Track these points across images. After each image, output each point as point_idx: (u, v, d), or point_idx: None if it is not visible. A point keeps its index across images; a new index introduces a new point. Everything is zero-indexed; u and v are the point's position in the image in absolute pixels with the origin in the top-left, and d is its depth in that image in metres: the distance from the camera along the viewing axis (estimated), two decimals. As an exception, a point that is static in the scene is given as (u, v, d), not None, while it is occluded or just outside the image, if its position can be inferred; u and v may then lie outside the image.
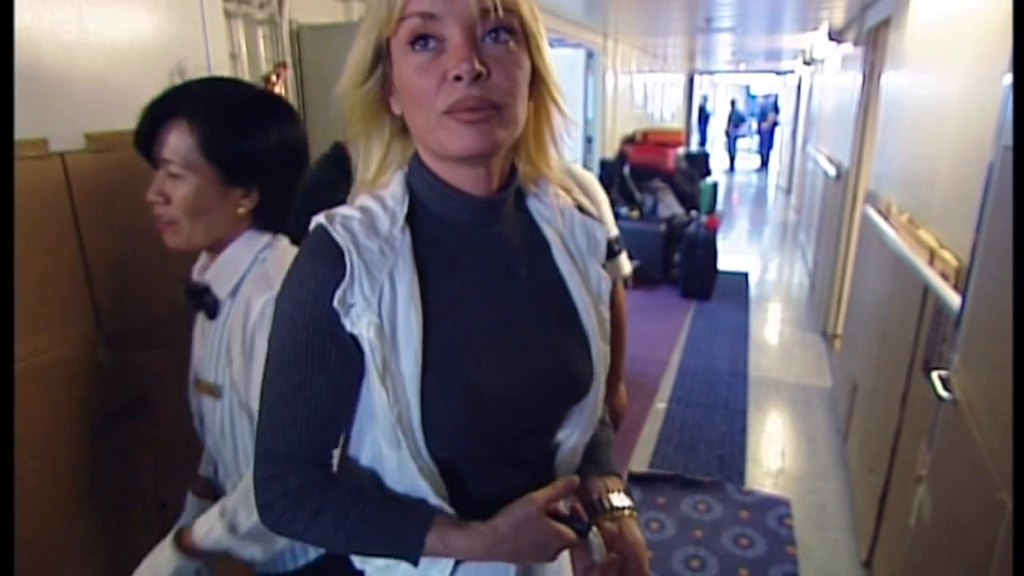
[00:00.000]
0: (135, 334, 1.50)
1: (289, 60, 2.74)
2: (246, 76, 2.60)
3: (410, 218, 0.71)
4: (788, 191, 10.44)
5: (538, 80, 0.70)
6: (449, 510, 0.71)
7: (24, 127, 1.23)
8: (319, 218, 0.70)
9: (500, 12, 0.62)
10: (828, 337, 4.27)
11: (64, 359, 1.34)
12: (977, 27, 1.79)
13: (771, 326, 4.84)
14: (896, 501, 1.99)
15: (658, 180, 6.41)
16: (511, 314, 0.74)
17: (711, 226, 5.39)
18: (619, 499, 0.79)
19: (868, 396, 2.59)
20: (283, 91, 2.66)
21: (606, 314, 0.81)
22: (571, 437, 0.80)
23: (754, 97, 20.72)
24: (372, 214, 0.70)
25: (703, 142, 14.59)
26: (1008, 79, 1.17)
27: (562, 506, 0.73)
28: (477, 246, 0.74)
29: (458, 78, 0.61)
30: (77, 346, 1.37)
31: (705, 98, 15.59)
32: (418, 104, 0.65)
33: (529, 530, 0.69)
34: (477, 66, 0.61)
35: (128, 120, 1.47)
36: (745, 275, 5.99)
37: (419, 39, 0.63)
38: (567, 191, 0.82)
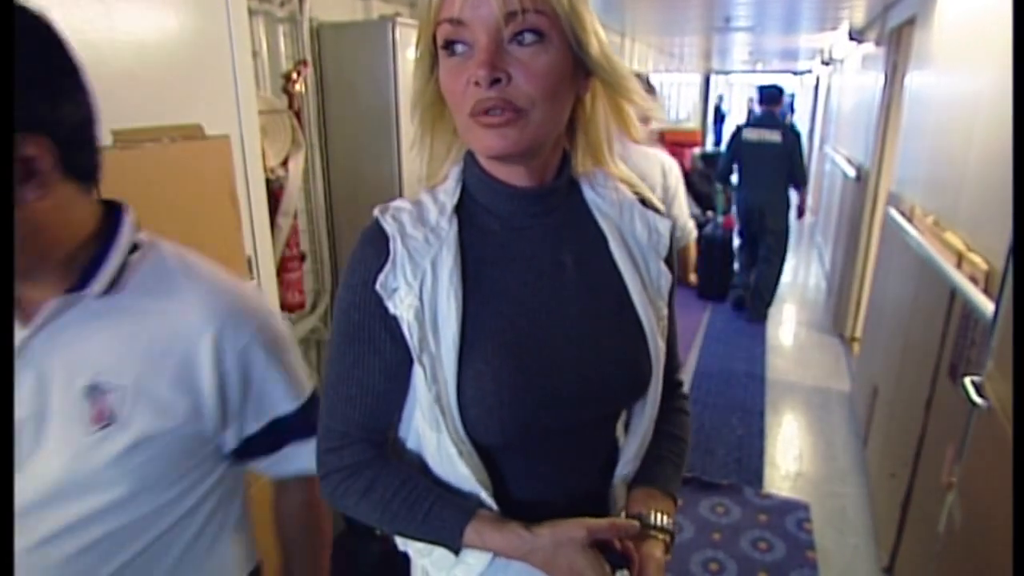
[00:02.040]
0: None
1: (309, 58, 2.74)
2: (266, 74, 2.61)
3: (460, 209, 0.74)
4: (804, 192, 10.33)
5: (590, 73, 0.69)
6: (490, 502, 0.73)
7: (53, 123, 1.24)
8: (376, 210, 0.74)
9: (528, 15, 0.62)
10: (846, 340, 4.23)
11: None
12: (1009, 24, 1.76)
13: (788, 328, 4.80)
14: (919, 507, 1.96)
15: (674, 180, 6.36)
16: (555, 303, 0.74)
17: (727, 227, 5.35)
18: (660, 519, 0.77)
19: (890, 400, 2.56)
20: (303, 89, 2.66)
21: (664, 310, 0.80)
22: (632, 442, 0.79)
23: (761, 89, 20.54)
24: (423, 206, 0.74)
25: (718, 142, 14.50)
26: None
27: (617, 543, 0.72)
28: (524, 236, 0.75)
29: (478, 83, 0.63)
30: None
31: (721, 98, 15.49)
32: (452, 105, 0.68)
33: (569, 552, 0.68)
34: (494, 72, 0.62)
35: (154, 116, 1.48)
36: (761, 276, 5.95)
37: (451, 44, 0.65)
38: (630, 184, 0.81)
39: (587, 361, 0.73)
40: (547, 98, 0.65)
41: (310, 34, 2.77)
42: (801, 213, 5.19)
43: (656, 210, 0.82)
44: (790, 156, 4.28)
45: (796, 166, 4.31)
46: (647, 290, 0.78)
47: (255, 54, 2.46)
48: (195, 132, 1.58)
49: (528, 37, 0.63)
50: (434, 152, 0.76)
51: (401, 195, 2.89)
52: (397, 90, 2.74)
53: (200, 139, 1.59)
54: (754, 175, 4.39)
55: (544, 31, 0.63)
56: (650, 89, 3.54)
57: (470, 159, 0.75)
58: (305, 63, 2.68)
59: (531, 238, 0.75)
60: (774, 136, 4.25)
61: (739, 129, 4.56)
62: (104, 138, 1.35)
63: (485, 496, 0.73)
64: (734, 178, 4.68)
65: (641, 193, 0.82)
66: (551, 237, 0.76)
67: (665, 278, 0.80)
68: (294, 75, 2.62)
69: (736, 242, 5.12)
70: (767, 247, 4.52)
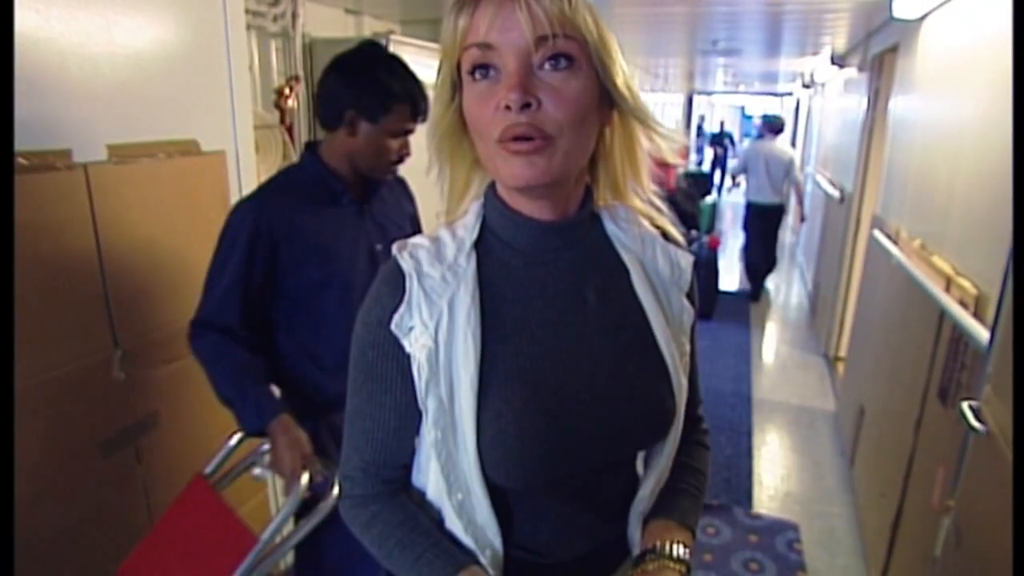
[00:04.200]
0: (151, 349, 1.48)
1: (301, 73, 2.74)
2: (258, 89, 2.60)
3: (479, 245, 0.72)
4: (785, 211, 10.50)
5: (613, 103, 0.68)
6: (499, 547, 0.71)
7: (49, 138, 1.21)
8: (395, 248, 0.72)
9: (558, 40, 0.61)
10: (830, 359, 4.27)
11: (78, 374, 1.31)
12: (997, 52, 1.80)
13: (772, 347, 4.84)
14: (910, 528, 1.97)
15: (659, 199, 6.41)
16: (578, 340, 0.72)
17: (712, 246, 5.41)
18: (676, 550, 0.75)
19: (877, 420, 2.58)
20: (296, 104, 2.65)
21: (687, 347, 0.79)
22: (649, 479, 0.78)
23: (749, 118, 20.91)
24: (440, 243, 0.72)
25: (700, 162, 14.68)
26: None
27: None
28: (545, 271, 0.73)
29: (508, 107, 0.61)
30: (92, 361, 1.35)
31: (703, 118, 15.71)
32: (477, 132, 0.66)
33: None
34: (525, 96, 0.60)
35: (151, 131, 1.46)
36: (746, 294, 6.01)
37: (478, 68, 0.63)
38: (651, 218, 0.79)
39: (611, 400, 0.71)
40: (575, 125, 0.63)
41: (302, 50, 2.77)
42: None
43: (678, 244, 0.81)
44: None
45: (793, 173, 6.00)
46: (670, 326, 0.76)
47: (248, 68, 2.45)
48: (191, 148, 1.56)
49: (562, 62, 0.62)
50: (453, 184, 0.74)
51: (392, 212, 2.88)
52: (390, 107, 2.74)
53: (196, 155, 1.57)
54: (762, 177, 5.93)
55: (574, 56, 0.62)
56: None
57: (491, 193, 0.73)
58: (297, 79, 2.67)
59: (552, 273, 0.73)
60: (782, 150, 5.90)
61: (754, 144, 6.20)
62: (99, 152, 1.33)
63: (496, 540, 0.71)
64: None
65: (663, 227, 0.80)
66: (573, 272, 0.74)
67: (687, 313, 0.78)
68: (286, 90, 2.61)
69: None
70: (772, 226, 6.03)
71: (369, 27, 3.19)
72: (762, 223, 5.93)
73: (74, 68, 1.26)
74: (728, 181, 6.95)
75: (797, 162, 5.80)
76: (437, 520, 0.75)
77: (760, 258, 6.01)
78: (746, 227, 6.26)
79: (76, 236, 1.30)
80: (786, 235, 9.02)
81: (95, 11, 1.29)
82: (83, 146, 1.29)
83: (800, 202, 6.19)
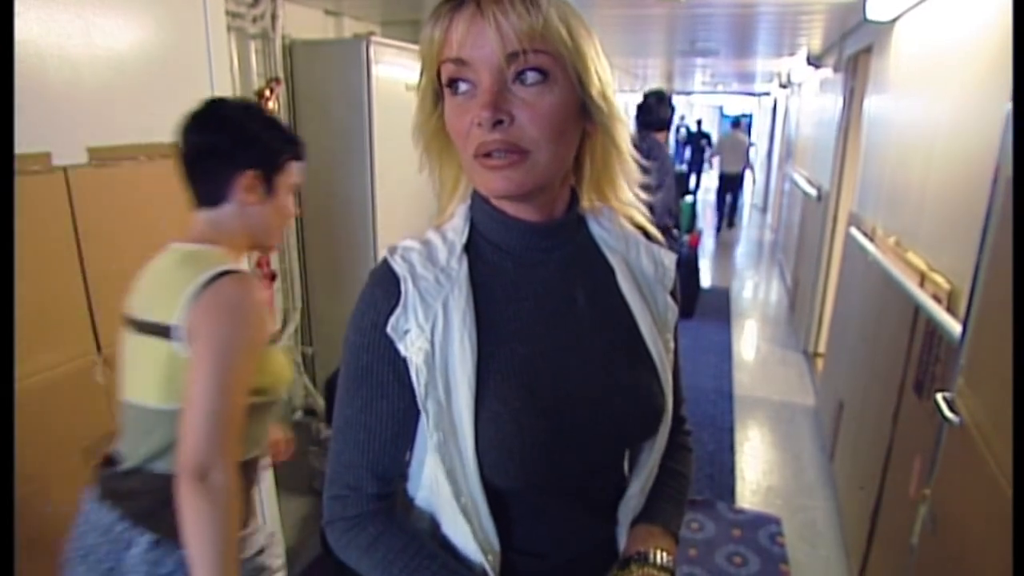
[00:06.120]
0: (134, 353, 1.47)
1: (281, 75, 2.72)
2: (237, 91, 2.58)
3: (469, 248, 0.72)
4: (763, 210, 10.64)
5: (590, 112, 0.68)
6: (495, 544, 0.71)
7: (27, 141, 1.20)
8: (385, 251, 0.72)
9: (529, 55, 0.60)
10: (810, 355, 4.33)
11: (61, 380, 1.30)
12: (967, 54, 1.85)
13: (753, 344, 4.90)
14: (889, 519, 2.01)
15: (640, 198, 6.49)
16: (569, 340, 0.73)
17: (693, 244, 5.46)
18: (661, 557, 0.76)
19: (856, 414, 2.63)
20: (276, 106, 2.64)
21: (672, 344, 0.80)
22: (637, 478, 0.79)
23: (727, 118, 21.11)
24: (432, 246, 0.72)
25: (680, 162, 14.78)
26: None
27: None
28: (535, 272, 0.74)
29: (481, 124, 0.62)
30: (75, 366, 1.33)
31: (683, 117, 15.80)
32: (457, 143, 0.67)
33: None
34: (496, 113, 0.60)
35: (131, 134, 1.45)
36: (727, 291, 6.08)
37: (454, 82, 0.64)
38: (631, 218, 0.80)
39: (603, 398, 0.72)
40: (552, 139, 0.63)
41: (283, 51, 2.75)
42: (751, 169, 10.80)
43: (659, 243, 0.82)
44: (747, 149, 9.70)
45: (749, 153, 9.76)
46: (656, 323, 0.77)
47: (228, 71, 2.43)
48: (173, 151, 1.54)
49: (531, 77, 0.61)
50: (444, 182, 0.75)
51: (374, 214, 2.88)
52: (371, 109, 2.73)
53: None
54: (729, 156, 9.45)
55: (548, 70, 0.62)
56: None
57: (477, 196, 0.74)
58: (278, 80, 2.66)
59: (542, 274, 0.74)
60: (743, 138, 9.53)
61: (723, 135, 10.40)
62: (79, 156, 1.32)
63: (486, 565, 0.70)
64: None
65: (644, 227, 0.81)
66: (562, 272, 0.74)
67: (672, 311, 0.80)
68: (267, 92, 2.60)
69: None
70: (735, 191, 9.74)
71: (349, 28, 3.19)
72: (730, 184, 9.53)
73: (53, 70, 1.25)
74: (704, 180, 11.20)
75: (754, 144, 10.51)
76: (430, 529, 0.75)
77: (732, 204, 9.67)
78: (720, 188, 9.69)
79: (57, 240, 1.29)
80: (765, 233, 9.21)
81: (74, 12, 1.28)
82: (63, 149, 1.28)
83: (751, 167, 10.43)
